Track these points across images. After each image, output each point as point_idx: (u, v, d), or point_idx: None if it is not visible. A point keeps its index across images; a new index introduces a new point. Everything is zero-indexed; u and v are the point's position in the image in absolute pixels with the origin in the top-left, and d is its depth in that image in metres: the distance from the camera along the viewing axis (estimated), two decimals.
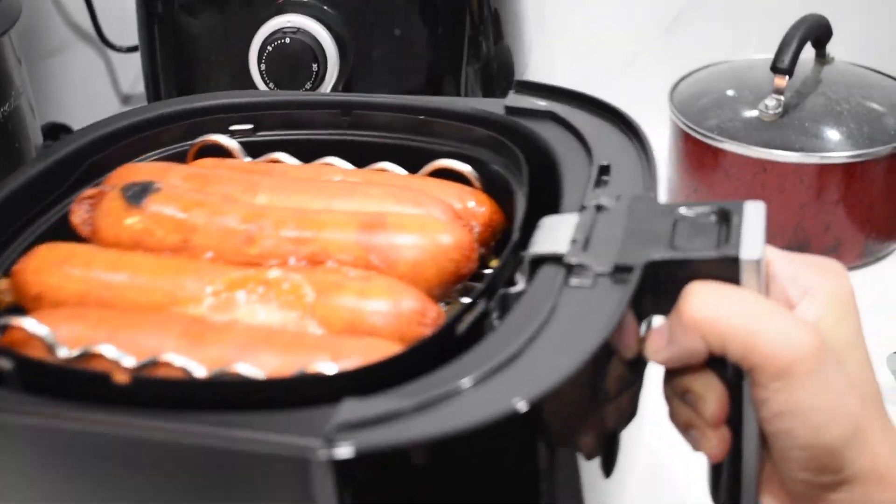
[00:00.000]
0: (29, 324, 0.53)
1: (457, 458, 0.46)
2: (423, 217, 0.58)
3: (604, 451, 0.55)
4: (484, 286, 0.53)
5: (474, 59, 0.99)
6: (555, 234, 0.54)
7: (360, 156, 0.67)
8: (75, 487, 0.49)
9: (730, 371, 0.52)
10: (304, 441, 0.43)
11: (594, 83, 0.95)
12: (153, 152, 0.68)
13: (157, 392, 0.47)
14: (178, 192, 0.60)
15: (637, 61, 1.27)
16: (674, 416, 0.56)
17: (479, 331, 0.51)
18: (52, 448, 0.48)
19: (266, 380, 0.48)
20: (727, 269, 0.51)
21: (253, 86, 0.92)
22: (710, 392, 0.53)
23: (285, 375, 0.49)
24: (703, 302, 0.50)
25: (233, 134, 0.69)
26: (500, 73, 1.04)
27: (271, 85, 0.91)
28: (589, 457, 0.53)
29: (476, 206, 0.62)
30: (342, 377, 0.47)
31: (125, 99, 1.29)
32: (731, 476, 0.55)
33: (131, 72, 1.26)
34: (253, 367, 0.49)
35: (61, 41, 1.23)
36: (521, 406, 0.44)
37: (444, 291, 0.57)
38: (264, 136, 0.70)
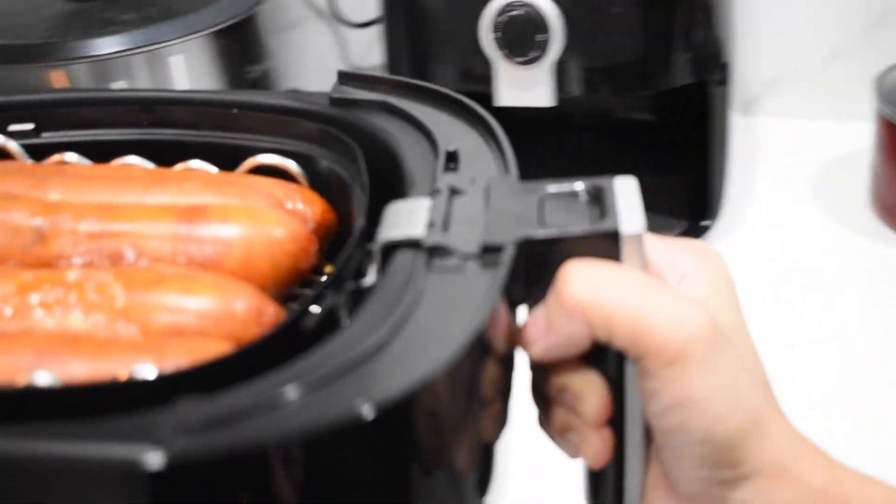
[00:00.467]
0: None
1: (298, 468, 0.38)
2: (251, 206, 0.50)
3: (477, 467, 0.47)
4: (330, 278, 0.45)
5: (684, 43, 1.01)
6: (407, 219, 0.47)
7: (165, 156, 0.59)
8: None
9: (612, 364, 0.47)
10: (133, 448, 0.34)
11: (799, 74, 1.17)
12: None
13: None
14: None
15: (842, 53, 1.25)
16: (546, 422, 0.50)
17: (329, 329, 0.44)
18: None
19: (79, 385, 0.39)
20: (606, 247, 0.45)
21: (482, 56, 0.96)
22: (590, 389, 0.47)
23: (102, 380, 0.39)
24: (584, 281, 0.44)
25: (11, 135, 0.59)
26: (709, 61, 1.04)
27: (505, 52, 0.95)
28: (461, 474, 0.46)
29: (304, 204, 0.55)
30: (173, 378, 0.38)
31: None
32: (615, 482, 0.49)
33: (361, 46, 1.40)
34: (53, 376, 0.40)
35: (299, 17, 1.37)
36: (367, 412, 0.36)
37: (279, 290, 0.49)
38: (50, 137, 0.60)
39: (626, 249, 0.45)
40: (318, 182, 0.57)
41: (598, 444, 0.48)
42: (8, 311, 0.45)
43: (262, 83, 1.08)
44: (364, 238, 0.48)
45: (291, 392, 0.37)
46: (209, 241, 0.48)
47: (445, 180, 0.50)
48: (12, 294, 0.45)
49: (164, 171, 0.56)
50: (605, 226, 0.45)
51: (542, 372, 0.49)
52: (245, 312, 0.45)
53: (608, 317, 0.43)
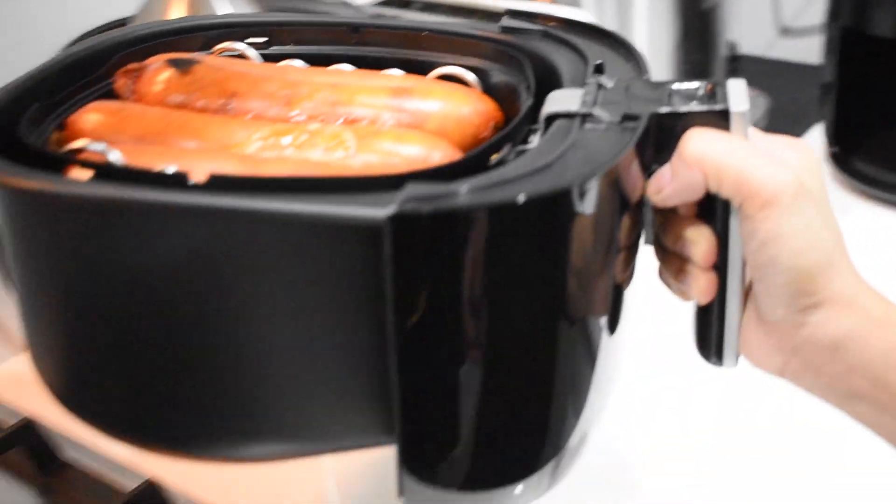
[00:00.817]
0: (99, 146, 0.58)
1: (501, 232, 0.52)
2: (448, 86, 0.65)
3: (610, 304, 0.61)
4: (505, 132, 0.60)
5: None
6: (564, 100, 0.62)
7: (368, 67, 0.74)
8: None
9: (718, 217, 0.61)
10: (374, 210, 0.50)
11: None
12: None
13: (234, 186, 0.53)
14: (219, 62, 0.66)
15: None
16: (664, 270, 0.64)
17: None
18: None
19: (334, 176, 0.54)
20: (718, 122, 0.59)
21: None
22: (701, 237, 0.61)
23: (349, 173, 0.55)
24: (703, 140, 0.58)
25: (249, 45, 0.75)
26: None
27: None
28: (597, 304, 0.60)
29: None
30: (403, 175, 0.54)
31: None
32: (718, 317, 0.63)
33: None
34: None
35: None
36: (520, 199, 0.51)
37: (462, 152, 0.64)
38: (278, 49, 0.76)
39: (734, 125, 0.59)
40: (490, 90, 0.72)
41: (706, 284, 0.61)
42: (264, 146, 0.60)
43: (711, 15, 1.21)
44: (529, 118, 0.63)
45: (465, 188, 0.51)
46: (413, 112, 0.63)
47: (595, 79, 0.65)
48: (269, 135, 0.61)
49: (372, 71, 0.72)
50: (717, 105, 0.60)
51: (663, 228, 0.63)
52: (441, 160, 0.60)
53: (718, 167, 0.57)
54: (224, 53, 0.74)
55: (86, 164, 0.55)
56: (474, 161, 0.56)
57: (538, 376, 0.57)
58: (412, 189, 0.51)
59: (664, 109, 0.60)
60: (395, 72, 0.73)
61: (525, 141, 0.62)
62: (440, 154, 0.61)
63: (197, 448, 0.60)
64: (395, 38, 0.76)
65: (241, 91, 0.65)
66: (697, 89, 0.63)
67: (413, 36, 0.75)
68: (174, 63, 0.66)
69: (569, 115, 0.60)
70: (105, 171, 0.55)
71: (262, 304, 0.54)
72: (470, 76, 0.73)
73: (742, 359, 0.64)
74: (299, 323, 0.54)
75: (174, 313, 0.55)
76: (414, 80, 0.67)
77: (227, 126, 0.62)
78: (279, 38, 0.76)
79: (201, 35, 0.75)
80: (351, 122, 0.63)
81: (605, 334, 0.61)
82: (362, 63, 0.74)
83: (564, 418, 0.59)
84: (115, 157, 0.58)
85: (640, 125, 0.59)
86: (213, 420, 0.58)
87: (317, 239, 0.52)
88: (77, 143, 0.59)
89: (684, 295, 0.64)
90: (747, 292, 0.62)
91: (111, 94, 0.69)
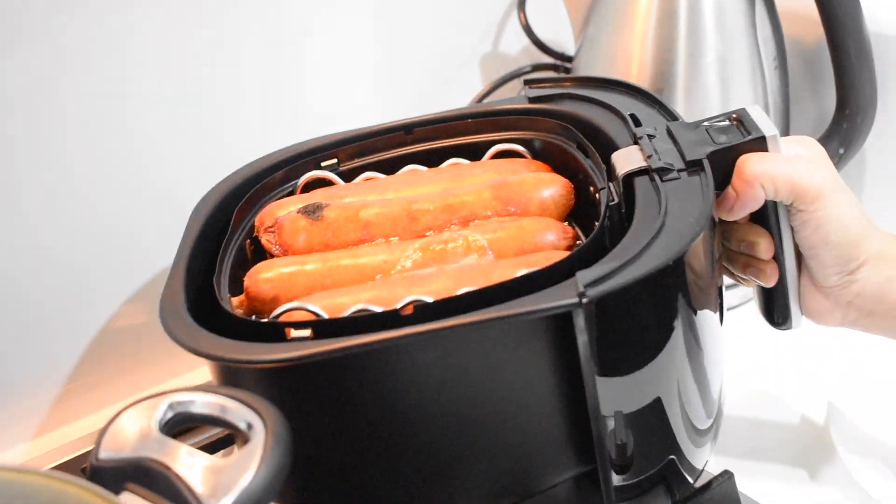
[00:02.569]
0: (309, 305, 0.71)
1: (661, 285, 0.68)
2: (534, 175, 0.80)
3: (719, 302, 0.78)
4: (605, 202, 0.75)
5: None
6: (630, 158, 0.77)
7: (430, 160, 0.88)
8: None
9: (772, 220, 0.77)
10: (568, 299, 0.64)
11: None
12: (274, 192, 0.87)
13: (438, 310, 0.67)
14: (342, 202, 0.79)
15: None
16: (732, 266, 0.81)
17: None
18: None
19: (518, 277, 0.68)
20: (757, 147, 0.76)
21: None
22: (761, 237, 0.78)
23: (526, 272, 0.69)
24: (756, 163, 0.74)
25: (323, 168, 0.88)
26: None
27: None
28: (712, 305, 0.76)
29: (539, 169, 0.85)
30: (563, 263, 0.68)
31: None
32: (782, 293, 0.80)
33: None
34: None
35: None
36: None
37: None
38: (346, 166, 0.89)
39: (770, 145, 0.76)
40: (539, 155, 0.87)
41: (771, 271, 0.78)
42: (419, 262, 0.74)
43: None
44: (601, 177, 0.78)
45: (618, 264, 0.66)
46: (517, 201, 0.78)
47: (639, 131, 0.80)
48: (418, 250, 0.75)
49: (441, 170, 0.85)
50: (755, 135, 0.76)
51: (727, 236, 0.80)
52: (559, 236, 0.75)
53: (774, 180, 0.74)
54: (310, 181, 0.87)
55: (299, 325, 0.68)
56: (599, 241, 0.71)
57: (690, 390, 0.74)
58: (583, 276, 0.66)
59: (716, 147, 0.75)
60: (457, 160, 0.87)
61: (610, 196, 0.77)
62: (557, 230, 0.76)
63: None
64: (444, 130, 0.89)
65: (373, 220, 0.78)
66: (726, 122, 0.78)
67: (458, 124, 0.89)
68: (305, 212, 0.79)
69: (643, 172, 0.76)
70: (321, 327, 0.68)
71: (496, 394, 0.68)
72: (520, 148, 0.87)
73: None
74: (520, 400, 0.69)
75: (431, 421, 0.69)
76: (504, 174, 0.82)
77: (378, 253, 0.75)
78: (344, 155, 0.90)
79: (285, 169, 0.88)
80: (466, 223, 0.77)
81: (717, 325, 0.79)
82: (425, 158, 0.88)
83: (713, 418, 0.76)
84: (317, 309, 0.71)
85: (707, 167, 0.74)
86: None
87: (518, 331, 0.67)
88: (283, 308, 0.71)
89: (749, 283, 0.81)
90: (799, 269, 0.79)
91: (243, 250, 0.81)
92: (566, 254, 0.73)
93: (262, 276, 0.75)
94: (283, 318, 0.71)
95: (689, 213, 0.71)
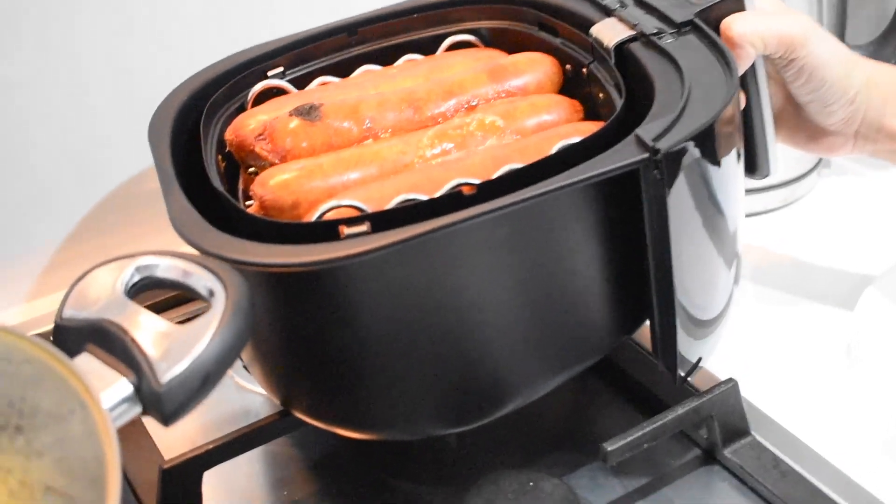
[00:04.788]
0: (348, 200, 0.66)
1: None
2: (526, 55, 0.79)
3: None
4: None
5: None
6: (615, 28, 0.77)
7: (380, 61, 0.85)
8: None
9: (748, 76, 0.79)
10: (639, 155, 0.64)
11: None
12: (224, 107, 0.80)
13: (502, 186, 0.64)
14: (336, 101, 0.74)
15: None
16: None
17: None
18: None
19: (572, 144, 0.67)
20: (735, 6, 0.78)
21: None
22: None
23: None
24: (741, 23, 0.76)
25: (273, 78, 0.83)
26: None
27: None
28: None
29: None
30: (608, 127, 0.68)
31: None
32: (761, 146, 0.83)
33: None
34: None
35: None
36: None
37: None
38: (294, 74, 0.84)
39: (747, 3, 0.78)
40: (492, 44, 0.86)
41: None
42: (434, 153, 0.71)
43: None
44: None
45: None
46: (516, 87, 0.77)
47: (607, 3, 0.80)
48: (433, 141, 0.72)
49: (424, 63, 0.82)
50: None
51: None
52: (571, 107, 0.75)
53: (762, 36, 0.76)
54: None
55: (352, 221, 0.64)
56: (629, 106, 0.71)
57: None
58: (646, 132, 0.65)
59: (699, 9, 0.77)
60: (410, 56, 0.84)
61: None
62: (566, 105, 0.75)
63: None
64: (389, 29, 0.86)
65: (371, 114, 0.74)
66: None
67: (402, 21, 0.86)
68: (300, 113, 0.73)
69: (634, 39, 0.76)
70: (378, 220, 0.64)
71: (565, 256, 0.67)
72: (472, 38, 0.85)
73: None
74: (578, 269, 0.68)
75: (495, 304, 0.67)
76: (496, 60, 0.80)
77: (390, 147, 0.72)
78: (289, 61, 0.84)
79: (229, 83, 0.81)
80: (471, 108, 0.75)
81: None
82: (376, 58, 0.84)
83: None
84: (359, 204, 0.66)
85: (702, 25, 0.75)
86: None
87: (582, 199, 0.66)
88: (326, 206, 0.66)
89: None
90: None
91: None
92: (596, 124, 0.72)
93: (276, 181, 0.69)
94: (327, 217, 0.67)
95: (704, 69, 0.72)
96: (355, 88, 0.79)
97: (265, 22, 0.96)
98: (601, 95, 0.77)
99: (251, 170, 0.76)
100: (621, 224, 0.68)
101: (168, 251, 0.58)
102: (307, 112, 0.73)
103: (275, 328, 0.69)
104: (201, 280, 0.55)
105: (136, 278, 0.56)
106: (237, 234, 0.64)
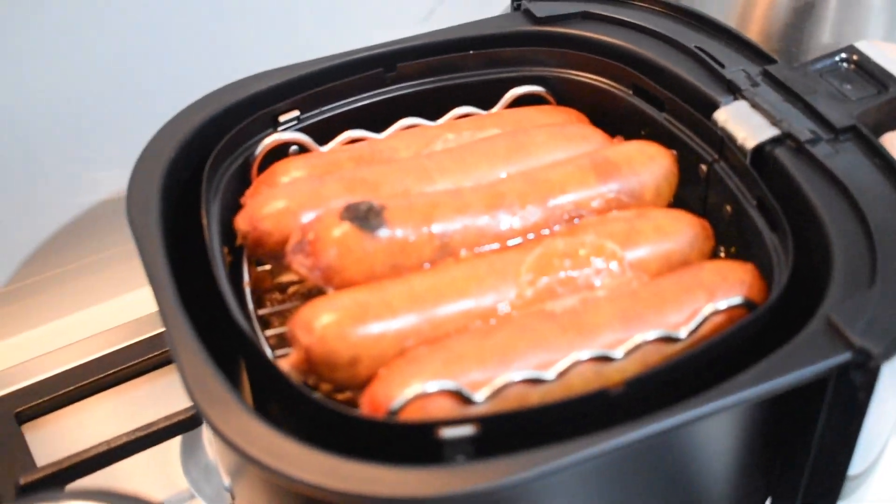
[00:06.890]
0: (442, 385, 0.47)
1: None
2: (637, 146, 0.60)
3: None
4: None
5: None
6: (750, 120, 0.59)
7: (420, 109, 0.65)
8: None
9: None
10: (837, 355, 0.47)
11: None
12: (226, 162, 0.60)
13: (651, 385, 0.47)
14: (402, 204, 0.54)
15: None
16: None
17: None
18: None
19: (739, 327, 0.50)
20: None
21: None
22: None
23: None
24: None
25: (286, 125, 0.62)
26: None
27: None
28: None
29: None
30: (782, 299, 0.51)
31: None
32: None
33: None
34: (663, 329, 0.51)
35: None
36: None
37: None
38: (310, 118, 0.63)
39: None
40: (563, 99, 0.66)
41: None
42: (545, 291, 0.53)
43: None
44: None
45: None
46: (629, 191, 0.58)
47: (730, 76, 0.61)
48: (534, 277, 0.53)
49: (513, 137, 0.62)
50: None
51: None
52: (702, 231, 0.57)
53: None
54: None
55: (452, 424, 0.45)
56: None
57: None
58: (842, 317, 0.48)
59: (863, 109, 0.60)
60: (465, 108, 0.64)
61: None
62: (697, 229, 0.57)
63: None
64: (435, 65, 0.65)
65: (447, 223, 0.54)
66: (840, 63, 0.63)
67: (450, 58, 0.66)
68: (356, 219, 0.52)
69: (779, 141, 0.58)
70: (491, 425, 0.46)
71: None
72: (540, 89, 0.66)
73: None
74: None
75: None
76: (599, 146, 0.61)
77: (480, 282, 0.52)
78: (310, 102, 0.63)
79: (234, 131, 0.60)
80: (573, 223, 0.56)
81: None
82: (413, 104, 0.64)
83: None
84: (462, 389, 0.48)
85: (867, 133, 0.58)
86: None
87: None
88: (409, 393, 0.47)
89: None
90: None
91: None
92: (743, 266, 0.55)
93: (327, 326, 0.49)
94: (408, 410, 0.47)
95: (884, 200, 0.55)
96: (410, 167, 0.58)
97: (273, 35, 0.75)
98: (728, 209, 0.59)
99: (265, 267, 0.56)
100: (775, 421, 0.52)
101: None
102: (364, 217, 0.53)
103: None
104: None
105: None
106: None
